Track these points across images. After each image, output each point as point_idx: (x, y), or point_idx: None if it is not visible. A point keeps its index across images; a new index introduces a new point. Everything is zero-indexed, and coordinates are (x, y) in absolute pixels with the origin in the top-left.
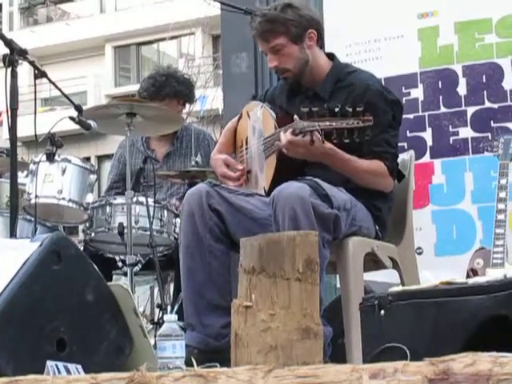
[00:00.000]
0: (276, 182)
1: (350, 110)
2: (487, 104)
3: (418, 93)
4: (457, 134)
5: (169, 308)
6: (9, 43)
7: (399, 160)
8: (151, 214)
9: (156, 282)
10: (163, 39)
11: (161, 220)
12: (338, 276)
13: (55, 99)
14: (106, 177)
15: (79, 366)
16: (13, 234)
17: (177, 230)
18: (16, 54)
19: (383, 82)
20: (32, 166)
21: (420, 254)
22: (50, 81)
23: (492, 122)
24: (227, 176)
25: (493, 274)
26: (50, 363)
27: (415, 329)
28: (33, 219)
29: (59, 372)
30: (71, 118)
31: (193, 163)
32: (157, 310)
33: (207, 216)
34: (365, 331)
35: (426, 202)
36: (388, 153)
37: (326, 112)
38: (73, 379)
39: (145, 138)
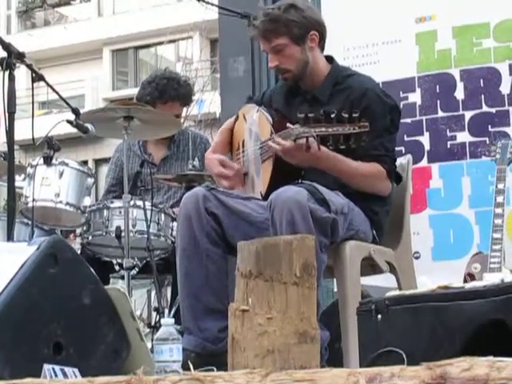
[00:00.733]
0: (273, 186)
1: (346, 116)
2: (485, 108)
3: (415, 97)
4: (454, 138)
5: (166, 312)
6: (6, 46)
7: (397, 164)
8: (148, 217)
9: (153, 285)
10: (161, 43)
11: (158, 223)
12: (335, 280)
13: (53, 102)
14: (104, 180)
15: (76, 370)
16: (10, 237)
17: (174, 233)
18: (14, 58)
19: (381, 87)
20: (29, 170)
21: (417, 258)
22: (48, 84)
23: (490, 126)
24: (223, 175)
25: (490, 279)
26: (46, 366)
27: (412, 333)
28: (30, 222)
29: (56, 375)
30: (69, 122)
31: (190, 167)
32: (154, 314)
33: (204, 220)
34: (362, 335)
35: (424, 206)
36: (385, 156)
37: (322, 118)
38: (70, 382)
39: (142, 141)
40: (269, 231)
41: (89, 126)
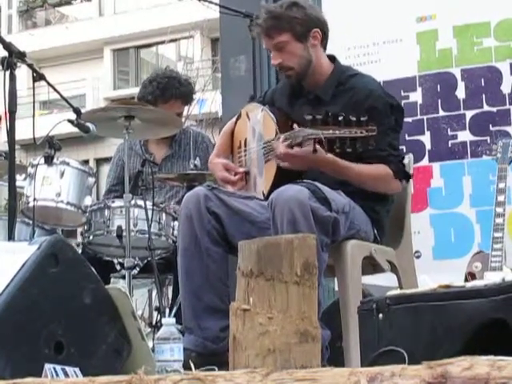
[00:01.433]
0: (275, 186)
1: (354, 119)
2: (486, 108)
3: (416, 96)
4: (455, 137)
5: (167, 311)
6: (7, 46)
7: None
8: (149, 217)
9: (154, 285)
10: (162, 42)
11: (159, 223)
12: (336, 279)
13: (54, 102)
14: (105, 180)
15: (77, 369)
16: (11, 236)
17: (175, 232)
18: (14, 57)
19: (382, 86)
20: (30, 169)
21: (418, 257)
22: (49, 84)
23: (491, 125)
24: (227, 180)
25: (491, 278)
26: (47, 366)
27: (413, 332)
28: (31, 222)
29: (57, 375)
30: (70, 121)
31: (191, 166)
32: (155, 313)
33: (205, 219)
34: (363, 335)
35: (425, 205)
36: (392, 155)
37: (329, 120)
38: (71, 382)
39: (143, 141)
40: (270, 231)
41: (90, 125)
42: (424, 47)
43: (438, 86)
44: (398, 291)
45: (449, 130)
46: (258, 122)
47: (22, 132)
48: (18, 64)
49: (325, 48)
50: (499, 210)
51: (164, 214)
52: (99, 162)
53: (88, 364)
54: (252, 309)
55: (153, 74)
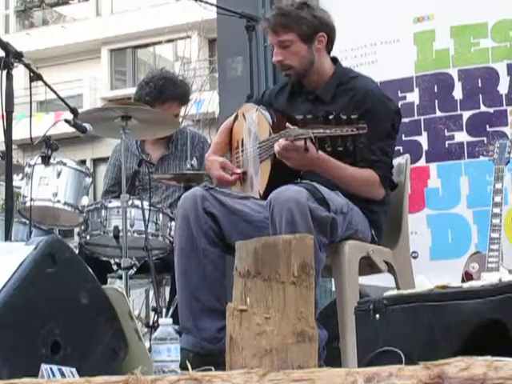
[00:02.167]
0: (271, 186)
1: (345, 117)
2: (483, 108)
3: (413, 97)
4: (452, 138)
5: (164, 311)
6: (4, 46)
7: (395, 164)
8: (146, 217)
9: (151, 285)
10: (159, 42)
11: (156, 223)
12: (333, 279)
13: (51, 102)
14: (102, 180)
15: (74, 370)
16: (8, 237)
17: (172, 233)
18: (12, 57)
19: (379, 86)
20: (27, 169)
21: (415, 257)
22: (46, 84)
23: (487, 126)
24: (224, 179)
25: (488, 278)
26: (44, 366)
27: (410, 333)
28: (28, 222)
29: (54, 375)
30: (67, 121)
31: (188, 166)
32: (152, 314)
33: (202, 220)
34: (360, 335)
35: (422, 206)
36: (382, 162)
37: (320, 119)
38: (67, 382)
39: (139, 141)
40: (267, 230)
41: (87, 125)
42: (421, 48)
43: (435, 87)
44: (395, 292)
45: (446, 130)
46: (253, 122)
47: (19, 132)
48: (15, 64)
49: (329, 52)
50: (496, 210)
51: (161, 215)
52: (96, 162)
53: (85, 364)
54: (249, 309)
55: (149, 76)
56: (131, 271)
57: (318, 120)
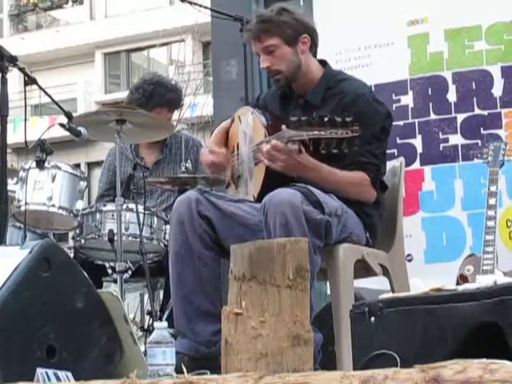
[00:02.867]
0: (265, 189)
1: (339, 119)
2: (477, 111)
3: (407, 100)
4: (447, 140)
5: (159, 315)
6: None
7: (389, 167)
8: (141, 220)
9: (146, 288)
10: (153, 46)
11: (151, 227)
12: (328, 283)
13: (45, 106)
14: (96, 184)
15: (69, 373)
16: (2, 241)
17: (167, 236)
18: (6, 61)
19: (373, 89)
20: (22, 173)
21: (410, 260)
22: (40, 87)
23: (482, 128)
24: (214, 161)
25: (483, 281)
26: (39, 370)
27: (405, 336)
28: (22, 226)
29: (49, 379)
30: (61, 125)
31: (183, 169)
32: (147, 317)
33: (197, 223)
34: (355, 338)
35: (416, 208)
36: (372, 164)
37: (314, 121)
38: None
39: (134, 145)
40: (262, 233)
41: (81, 129)
42: (415, 50)
43: (430, 90)
44: (390, 294)
45: (440, 133)
46: (248, 125)
47: (14, 136)
48: (10, 68)
49: (314, 55)
50: (491, 212)
51: (155, 218)
52: (90, 165)
53: (80, 368)
54: (244, 312)
55: (140, 81)
56: (126, 275)
57: (312, 122)
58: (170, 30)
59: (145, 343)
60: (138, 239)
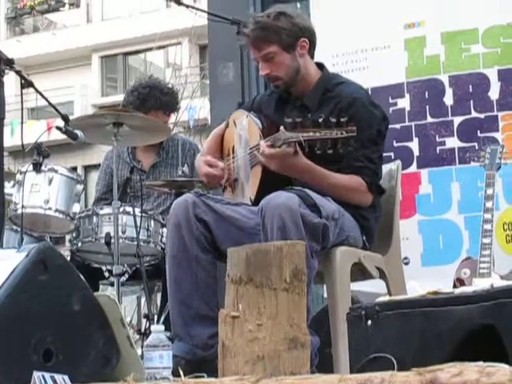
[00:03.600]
0: (262, 191)
1: (334, 120)
2: (474, 114)
3: (404, 103)
4: (443, 143)
5: (156, 318)
6: None
7: (386, 170)
8: (138, 224)
9: (143, 292)
10: (150, 49)
11: (147, 230)
12: (325, 286)
13: (42, 109)
14: (93, 187)
15: (66, 377)
16: None
17: (163, 239)
18: (2, 64)
19: (370, 92)
20: (19, 176)
21: (407, 263)
22: (37, 90)
23: (479, 131)
24: (211, 174)
25: (479, 284)
26: (36, 374)
27: (402, 339)
28: (19, 229)
29: (46, 382)
30: (58, 128)
31: (179, 173)
32: (144, 320)
33: (194, 226)
34: (352, 341)
35: (413, 211)
36: (368, 168)
37: (309, 123)
38: None
39: (130, 148)
40: (259, 237)
41: (78, 132)
42: (412, 54)
43: (426, 93)
44: (387, 298)
45: (437, 136)
46: (243, 128)
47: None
48: (6, 71)
49: (312, 56)
50: (487, 216)
51: (152, 221)
52: (87, 168)
53: (77, 371)
54: (241, 316)
55: (135, 84)
56: (123, 278)
57: (307, 123)
58: (167, 32)
59: (142, 346)
60: (135, 242)
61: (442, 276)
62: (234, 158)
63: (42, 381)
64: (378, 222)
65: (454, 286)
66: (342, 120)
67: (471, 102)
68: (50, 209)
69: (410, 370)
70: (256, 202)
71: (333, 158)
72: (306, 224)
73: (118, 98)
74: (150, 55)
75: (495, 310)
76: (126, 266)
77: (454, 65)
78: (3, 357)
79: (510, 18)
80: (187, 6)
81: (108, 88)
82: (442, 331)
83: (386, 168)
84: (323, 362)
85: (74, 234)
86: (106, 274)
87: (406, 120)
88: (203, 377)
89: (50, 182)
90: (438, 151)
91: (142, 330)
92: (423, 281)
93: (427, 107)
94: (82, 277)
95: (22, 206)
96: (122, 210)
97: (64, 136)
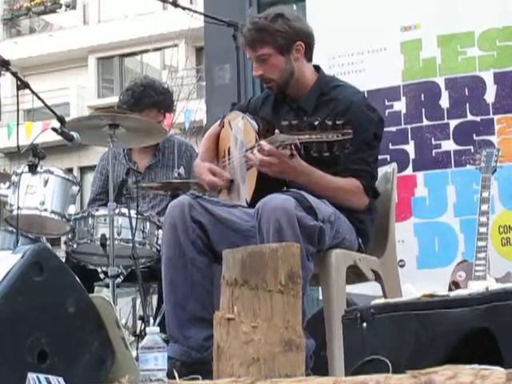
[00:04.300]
0: (258, 193)
1: (330, 123)
2: (470, 117)
3: (400, 105)
4: (439, 146)
5: (151, 320)
6: None
7: (382, 172)
8: (133, 225)
9: (138, 293)
10: (146, 51)
11: (143, 232)
12: (320, 288)
13: (38, 110)
14: (89, 188)
15: (60, 379)
16: None
17: (159, 241)
18: None
19: (366, 95)
20: (14, 178)
21: (402, 266)
22: (33, 92)
23: (474, 135)
24: (215, 184)
25: (475, 287)
26: (31, 375)
27: (397, 341)
28: (15, 231)
29: None
30: (54, 130)
31: (175, 175)
32: (139, 322)
33: (190, 228)
34: (347, 344)
35: (409, 214)
36: (364, 171)
37: (305, 125)
38: None
39: (126, 150)
40: (255, 239)
41: (74, 133)
42: (408, 56)
43: (422, 96)
44: (382, 300)
45: (433, 139)
46: (239, 130)
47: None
48: (3, 72)
49: (309, 59)
50: (483, 219)
51: (148, 223)
52: (83, 170)
53: (72, 373)
54: (236, 318)
55: (131, 83)
56: (118, 280)
57: (303, 126)
58: (164, 34)
59: (137, 348)
60: (131, 244)
61: (437, 279)
62: (229, 159)
63: (37, 382)
64: (374, 225)
65: (450, 289)
66: (338, 123)
67: (467, 105)
68: (45, 210)
69: (405, 372)
70: (252, 204)
71: (329, 160)
72: (302, 226)
73: (114, 99)
74: (146, 57)
75: (490, 312)
76: (121, 267)
77: (450, 68)
78: None
79: (505, 21)
80: (184, 8)
81: (104, 90)
82: (437, 334)
83: (381, 171)
84: (318, 365)
85: (69, 236)
86: (102, 276)
87: (402, 123)
88: (198, 379)
89: (46, 183)
90: (433, 154)
91: (137, 331)
92: (419, 283)
93: (423, 110)
94: (77, 278)
95: (18, 208)
96: (117, 211)
97: (60, 137)
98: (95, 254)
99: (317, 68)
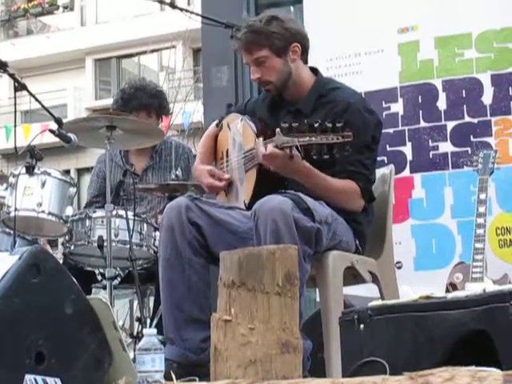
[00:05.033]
0: (256, 195)
1: (330, 125)
2: (467, 119)
3: (397, 107)
4: (436, 148)
5: (148, 321)
6: None
7: (379, 174)
8: (131, 227)
9: (135, 295)
10: (144, 52)
11: (140, 233)
12: (317, 290)
13: (35, 112)
14: (86, 190)
15: (58, 380)
16: None
17: (156, 243)
18: None
19: (363, 97)
20: (11, 179)
21: (399, 268)
22: (30, 93)
23: (472, 136)
24: (214, 186)
25: (472, 289)
26: (28, 377)
27: (394, 343)
28: (12, 232)
29: None
30: (51, 131)
31: (173, 177)
32: (136, 324)
33: (187, 230)
34: (344, 345)
35: (406, 216)
36: (361, 174)
37: (305, 128)
38: None
39: (123, 152)
40: (252, 241)
41: (71, 135)
42: (405, 58)
43: (420, 97)
44: (380, 302)
45: (430, 140)
46: (237, 131)
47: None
48: (0, 74)
49: (305, 61)
50: (480, 220)
51: (145, 225)
52: (80, 171)
53: (69, 375)
54: (233, 319)
55: (125, 85)
56: (115, 281)
57: (303, 128)
58: (161, 36)
59: (134, 350)
60: (128, 246)
61: (434, 280)
62: (227, 161)
63: None
64: (371, 226)
65: (447, 291)
66: (338, 125)
67: (464, 106)
68: (42, 212)
69: (402, 374)
70: (250, 206)
71: (328, 163)
72: (299, 228)
73: (112, 101)
74: (143, 58)
75: (487, 314)
76: (118, 269)
77: (447, 69)
78: None
79: (503, 23)
80: (181, 10)
81: (102, 91)
82: (434, 336)
83: (379, 172)
84: (315, 366)
85: (66, 237)
86: (99, 278)
87: (400, 124)
88: (195, 380)
89: (43, 184)
90: (431, 156)
91: (135, 333)
92: (416, 285)
93: (420, 112)
94: (74, 280)
95: (15, 209)
96: (114, 213)
97: (57, 139)
98: (92, 255)
99: (315, 70)
